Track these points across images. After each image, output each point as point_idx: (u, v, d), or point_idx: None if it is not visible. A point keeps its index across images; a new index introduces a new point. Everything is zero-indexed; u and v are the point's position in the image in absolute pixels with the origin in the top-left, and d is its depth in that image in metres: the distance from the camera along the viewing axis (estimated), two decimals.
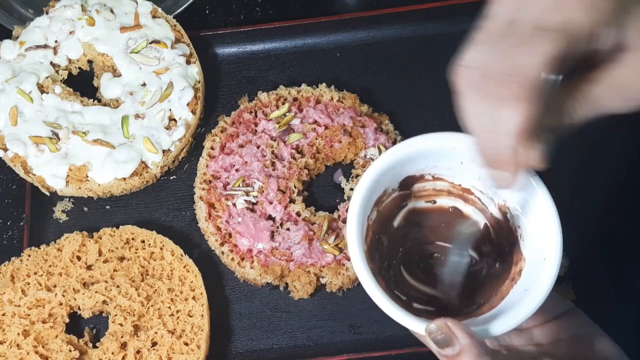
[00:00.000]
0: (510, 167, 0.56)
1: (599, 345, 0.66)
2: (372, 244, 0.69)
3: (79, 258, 0.92)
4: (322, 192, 0.98)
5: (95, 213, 0.99)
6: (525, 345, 0.69)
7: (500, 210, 0.70)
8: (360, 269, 0.64)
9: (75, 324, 0.91)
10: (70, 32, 1.00)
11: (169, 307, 0.89)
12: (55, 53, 1.00)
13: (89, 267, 0.92)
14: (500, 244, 0.70)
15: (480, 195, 0.71)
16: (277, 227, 0.92)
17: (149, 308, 0.89)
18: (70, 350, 0.87)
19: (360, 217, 0.66)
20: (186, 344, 0.87)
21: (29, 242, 0.95)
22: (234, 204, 0.93)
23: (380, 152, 0.95)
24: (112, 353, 0.86)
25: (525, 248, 0.67)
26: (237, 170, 0.95)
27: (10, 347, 0.86)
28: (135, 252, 0.92)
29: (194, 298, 0.89)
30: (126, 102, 0.97)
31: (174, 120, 0.96)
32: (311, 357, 0.89)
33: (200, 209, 0.94)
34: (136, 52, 0.98)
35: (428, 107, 1.01)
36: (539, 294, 0.62)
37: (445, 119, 0.99)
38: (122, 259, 0.92)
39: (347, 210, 0.93)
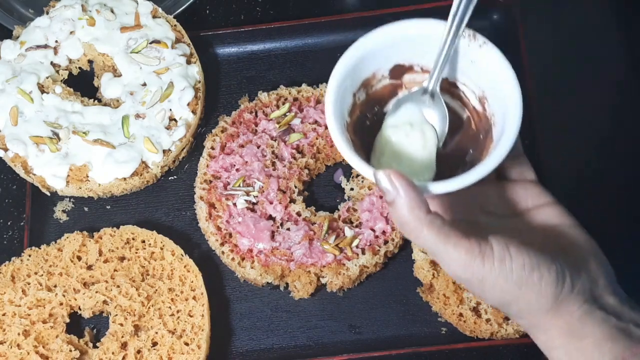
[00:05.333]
0: None
1: (572, 235, 0.68)
2: (358, 121, 0.72)
3: (79, 258, 0.92)
4: (323, 192, 0.98)
5: (95, 213, 0.99)
6: (497, 228, 0.70)
7: (480, 101, 0.72)
8: (330, 121, 0.67)
9: (75, 324, 0.91)
10: (71, 32, 1.00)
11: (170, 307, 0.89)
12: (55, 53, 1.00)
13: (89, 267, 0.92)
14: (477, 133, 0.72)
15: (463, 88, 0.73)
16: (278, 227, 0.92)
17: (149, 308, 0.89)
18: (70, 350, 0.87)
19: (340, 86, 0.69)
20: (186, 344, 0.87)
21: (30, 242, 0.95)
22: (235, 204, 0.93)
23: None
24: (113, 353, 0.86)
25: (496, 131, 0.69)
26: (237, 170, 0.95)
27: (11, 347, 0.86)
28: (136, 252, 0.92)
29: (194, 298, 0.89)
30: (126, 102, 0.97)
31: (175, 120, 0.96)
32: (311, 357, 0.89)
33: (201, 209, 0.94)
34: (136, 52, 0.98)
35: None
36: (490, 161, 0.64)
37: None
38: (122, 259, 0.92)
39: (347, 210, 0.93)
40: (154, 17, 1.00)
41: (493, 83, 0.69)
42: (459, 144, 0.73)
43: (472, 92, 0.72)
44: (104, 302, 0.89)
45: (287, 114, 0.98)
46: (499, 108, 0.69)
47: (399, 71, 0.73)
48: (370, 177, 0.64)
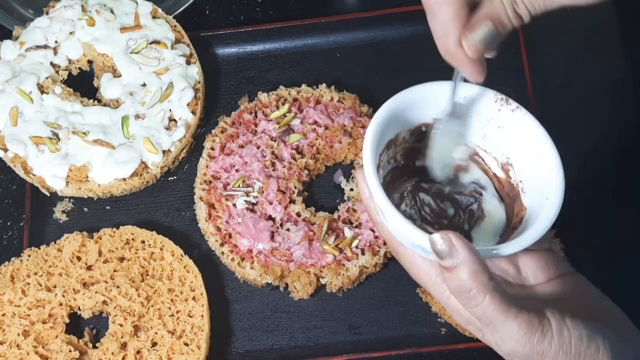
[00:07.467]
0: (460, 59, 0.64)
1: (601, 305, 0.66)
2: (383, 182, 0.70)
3: (79, 258, 0.92)
4: (322, 192, 0.98)
5: (95, 213, 0.99)
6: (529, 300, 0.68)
7: (503, 168, 0.70)
8: (372, 182, 0.64)
9: (75, 324, 0.91)
10: (71, 33, 1.00)
11: (169, 308, 0.89)
12: (55, 53, 1.00)
13: (89, 268, 0.92)
14: (501, 200, 0.71)
15: (484, 155, 0.71)
16: (277, 228, 0.92)
17: (149, 308, 0.89)
18: (70, 351, 0.87)
19: (374, 150, 0.66)
20: (186, 344, 0.87)
21: (29, 242, 0.95)
22: (234, 205, 0.93)
23: None
24: (112, 353, 0.86)
25: (526, 198, 0.68)
26: (237, 170, 0.95)
27: (11, 348, 0.86)
28: (135, 253, 0.92)
29: (194, 298, 0.89)
30: (126, 102, 0.97)
31: (174, 120, 0.96)
32: (311, 357, 0.89)
33: (200, 210, 0.94)
34: (136, 53, 0.98)
35: None
36: (537, 229, 0.62)
37: None
38: (122, 259, 0.92)
39: (347, 211, 0.93)
40: (154, 17, 1.01)
41: (524, 150, 0.68)
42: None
43: (493, 159, 0.71)
44: (104, 302, 0.89)
45: (286, 114, 0.98)
46: (530, 174, 0.67)
47: (421, 134, 0.71)
48: (425, 243, 0.60)
